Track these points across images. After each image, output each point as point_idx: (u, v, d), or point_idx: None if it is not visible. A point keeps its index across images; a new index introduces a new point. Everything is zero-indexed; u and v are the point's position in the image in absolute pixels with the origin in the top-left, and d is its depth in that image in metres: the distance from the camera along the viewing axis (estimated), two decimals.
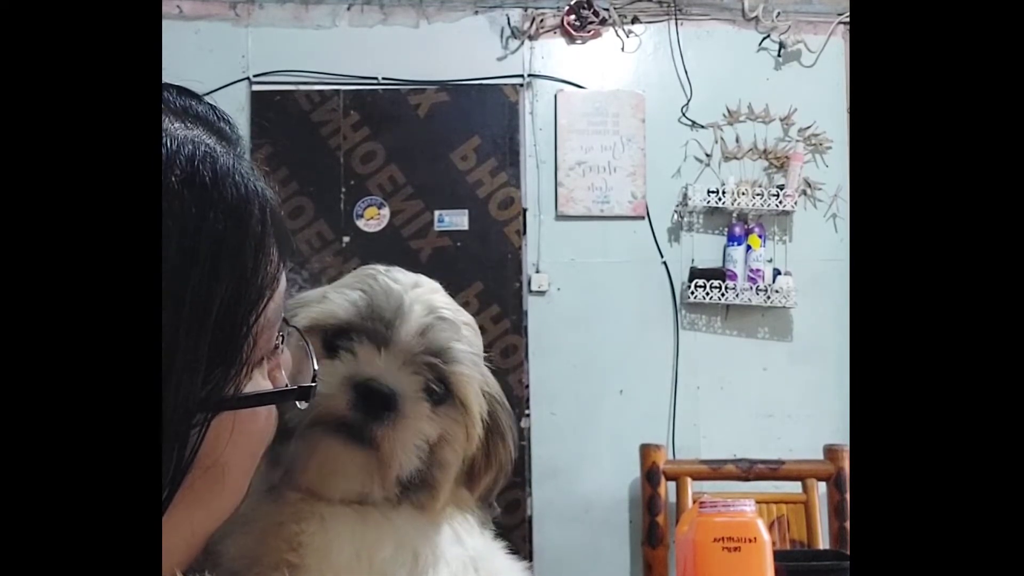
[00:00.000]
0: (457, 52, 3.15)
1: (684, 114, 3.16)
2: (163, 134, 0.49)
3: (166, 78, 0.52)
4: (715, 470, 2.55)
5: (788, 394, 3.11)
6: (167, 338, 0.45)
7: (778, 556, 1.03)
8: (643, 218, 3.14)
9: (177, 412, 0.47)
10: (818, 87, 3.19)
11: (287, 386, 0.61)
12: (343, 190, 3.10)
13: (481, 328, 3.03)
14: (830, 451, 2.58)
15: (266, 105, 3.11)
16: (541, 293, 3.10)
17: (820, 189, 3.16)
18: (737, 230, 3.07)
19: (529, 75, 3.16)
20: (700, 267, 3.08)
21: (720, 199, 3.06)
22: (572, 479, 3.05)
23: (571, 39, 3.17)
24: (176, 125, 0.50)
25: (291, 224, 3.06)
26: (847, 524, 2.46)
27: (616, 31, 3.18)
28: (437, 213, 3.10)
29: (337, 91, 3.12)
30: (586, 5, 3.15)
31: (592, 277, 3.12)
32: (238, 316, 0.51)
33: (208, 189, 0.49)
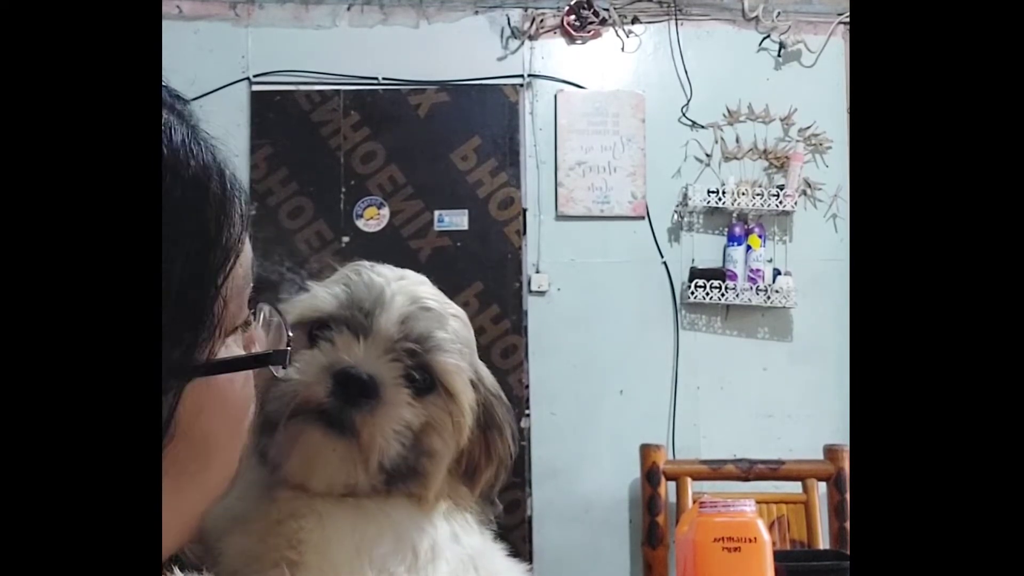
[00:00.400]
0: (457, 52, 3.15)
1: (684, 114, 3.17)
2: None
3: (166, 78, 0.52)
4: (715, 470, 2.55)
5: (788, 394, 3.11)
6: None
7: (778, 556, 1.03)
8: (643, 218, 3.14)
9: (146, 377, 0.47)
10: (818, 87, 3.19)
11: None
12: (343, 190, 3.10)
13: (481, 328, 3.05)
14: (830, 451, 2.58)
15: (266, 105, 3.12)
16: (541, 293, 3.10)
17: (820, 189, 3.16)
18: (737, 230, 3.07)
19: (529, 75, 3.16)
20: (700, 267, 3.08)
21: (720, 199, 3.07)
22: (572, 479, 3.05)
23: (571, 39, 3.17)
24: None
25: (291, 224, 3.06)
26: (847, 524, 2.46)
27: (616, 31, 3.18)
28: (437, 213, 3.10)
29: (337, 91, 3.13)
30: (586, 5, 3.15)
31: (592, 277, 3.12)
32: (204, 279, 0.51)
33: (166, 159, 0.50)
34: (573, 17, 3.16)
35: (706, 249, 3.13)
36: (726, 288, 3.03)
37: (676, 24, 3.18)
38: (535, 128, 3.15)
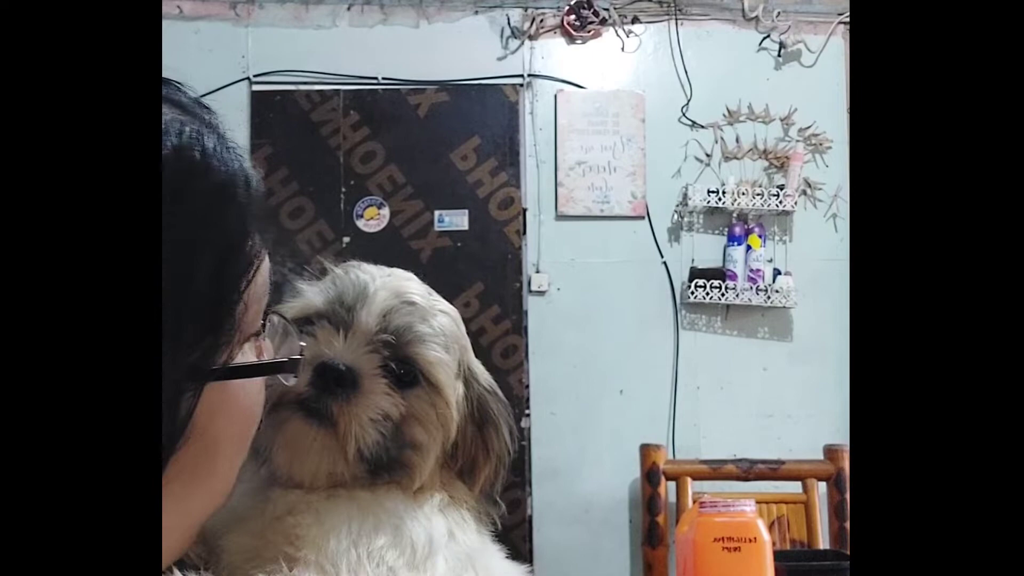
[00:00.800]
0: (457, 52, 3.15)
1: (684, 114, 3.16)
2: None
3: (166, 78, 0.52)
4: (715, 470, 2.55)
5: (788, 394, 3.11)
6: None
7: (778, 556, 1.03)
8: (643, 218, 3.14)
9: (165, 377, 0.48)
10: (818, 87, 3.19)
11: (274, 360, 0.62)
12: (343, 190, 3.10)
13: (481, 328, 3.04)
14: (830, 451, 2.58)
15: (266, 105, 3.11)
16: (541, 293, 3.10)
17: (820, 189, 3.16)
18: (737, 230, 3.07)
19: (529, 75, 3.16)
20: (700, 267, 3.08)
21: (720, 199, 3.06)
22: (572, 479, 3.05)
23: (571, 39, 3.17)
24: (164, 109, 0.52)
25: (291, 224, 3.06)
26: (847, 524, 2.46)
27: (616, 31, 3.18)
28: (437, 213, 3.10)
29: (337, 91, 3.12)
30: (586, 5, 3.15)
31: (592, 277, 3.12)
32: (227, 285, 0.52)
33: (197, 167, 0.51)
34: (573, 17, 3.15)
35: (706, 249, 3.13)
36: (726, 288, 3.03)
37: (676, 24, 3.18)
38: (535, 128, 3.15)
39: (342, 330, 0.79)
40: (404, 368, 0.80)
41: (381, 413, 0.78)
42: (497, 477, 0.86)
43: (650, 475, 2.57)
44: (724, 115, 3.18)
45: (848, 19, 3.08)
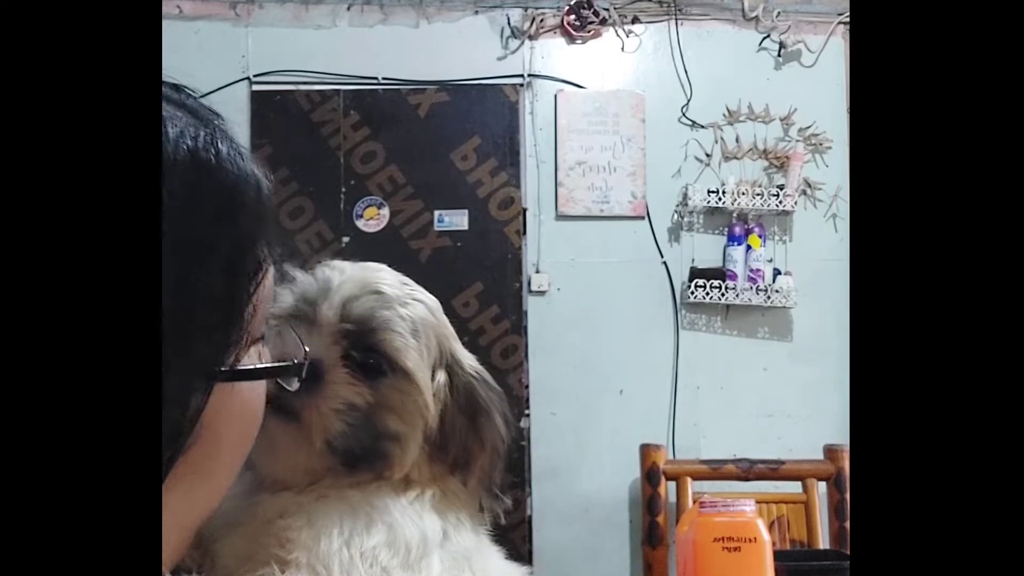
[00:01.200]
0: (457, 52, 3.15)
1: (684, 114, 3.17)
2: (168, 121, 0.51)
3: (166, 78, 0.53)
4: (715, 470, 2.55)
5: (788, 394, 3.11)
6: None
7: (778, 556, 1.03)
8: (643, 218, 3.14)
9: (175, 376, 0.48)
10: (818, 87, 3.19)
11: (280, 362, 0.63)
12: (343, 190, 3.10)
13: (481, 328, 3.03)
14: (830, 451, 2.58)
15: (266, 105, 3.12)
16: (541, 293, 3.10)
17: (820, 189, 3.16)
18: (737, 230, 3.07)
19: (529, 75, 3.16)
20: (700, 267, 3.08)
21: (720, 199, 3.07)
22: (572, 479, 3.05)
23: (571, 39, 3.18)
24: (179, 114, 0.53)
25: (291, 224, 3.06)
26: (847, 524, 2.46)
27: (616, 31, 3.18)
28: (437, 213, 3.10)
29: (337, 91, 3.13)
30: (586, 5, 3.15)
31: (592, 277, 3.12)
32: (237, 286, 0.53)
33: (212, 170, 0.52)
34: (573, 17, 3.16)
35: (706, 249, 3.13)
36: (726, 288, 3.03)
37: (676, 24, 3.18)
38: (535, 128, 3.15)
39: (304, 325, 0.79)
40: (372, 357, 0.80)
41: (345, 403, 0.78)
42: (494, 469, 0.85)
43: (650, 475, 2.57)
44: (724, 115, 3.18)
45: (848, 19, 3.08)
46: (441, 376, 0.84)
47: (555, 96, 3.16)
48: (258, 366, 0.58)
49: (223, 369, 0.53)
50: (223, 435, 0.56)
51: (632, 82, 3.18)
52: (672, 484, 2.56)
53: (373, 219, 3.09)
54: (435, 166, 3.11)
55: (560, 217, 3.13)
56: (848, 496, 2.35)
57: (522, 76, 3.16)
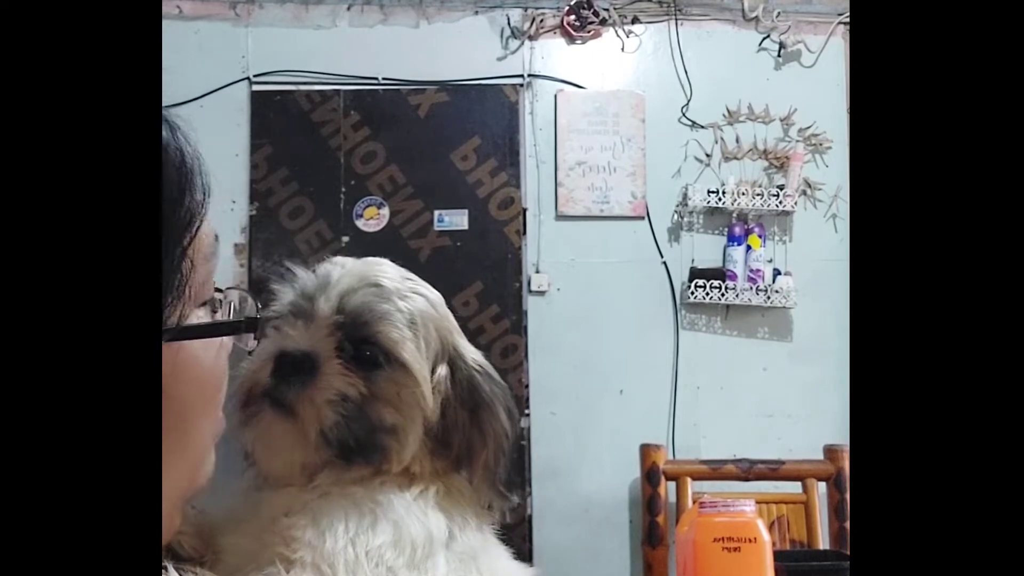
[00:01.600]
0: (457, 52, 3.15)
1: (684, 114, 3.16)
2: None
3: (166, 78, 0.53)
4: (715, 470, 2.55)
5: (788, 394, 3.11)
6: None
7: (778, 556, 1.03)
8: (643, 218, 3.14)
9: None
10: (818, 87, 3.19)
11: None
12: (343, 190, 3.10)
13: (481, 328, 3.03)
14: (830, 451, 2.58)
15: (266, 105, 3.11)
16: (541, 293, 3.10)
17: (820, 189, 3.16)
18: (737, 230, 3.07)
19: (529, 75, 3.16)
20: (700, 267, 3.08)
21: (720, 199, 3.06)
22: (572, 479, 3.05)
23: (571, 39, 3.17)
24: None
25: (291, 224, 3.06)
26: (847, 524, 2.46)
27: (616, 31, 3.18)
28: (437, 213, 3.09)
29: (337, 91, 3.12)
30: (586, 5, 3.15)
31: (592, 277, 3.12)
32: (170, 238, 0.53)
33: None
34: (573, 17, 3.15)
35: (706, 249, 3.13)
36: (726, 288, 3.03)
37: (676, 24, 3.17)
38: (535, 128, 3.15)
39: (303, 320, 0.80)
40: (368, 349, 0.80)
41: (338, 394, 0.78)
42: (498, 463, 0.84)
43: (650, 475, 2.57)
44: (724, 115, 3.18)
45: (848, 19, 3.08)
46: (442, 369, 0.83)
47: (555, 96, 3.16)
48: (204, 323, 0.58)
49: (168, 328, 0.53)
50: (183, 399, 0.56)
51: (632, 82, 3.18)
52: (672, 484, 2.56)
53: (373, 219, 3.09)
54: (435, 166, 3.11)
55: (560, 217, 3.13)
56: (848, 496, 2.35)
57: (522, 76, 3.16)
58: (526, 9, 3.17)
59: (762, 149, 3.17)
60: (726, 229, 3.11)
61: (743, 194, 3.06)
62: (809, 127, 3.18)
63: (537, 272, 3.10)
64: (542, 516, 3.02)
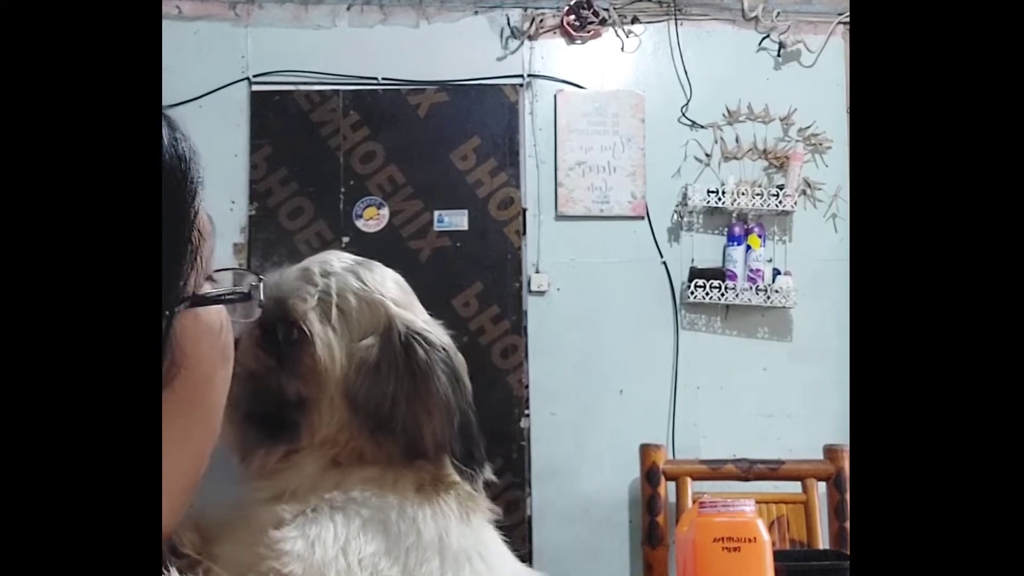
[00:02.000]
0: (457, 52, 3.15)
1: (684, 114, 3.16)
2: None
3: (166, 78, 0.53)
4: (715, 470, 2.55)
5: (788, 394, 3.11)
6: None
7: (778, 556, 1.03)
8: (643, 218, 3.14)
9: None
10: (818, 87, 3.19)
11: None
12: (343, 190, 3.10)
13: (481, 328, 3.03)
14: (830, 451, 2.58)
15: (266, 105, 3.11)
16: (541, 293, 3.10)
17: (820, 189, 3.16)
18: (737, 230, 3.07)
19: (529, 75, 3.16)
20: (700, 267, 3.08)
21: (720, 199, 3.06)
22: (572, 479, 3.05)
23: (571, 39, 3.17)
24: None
25: (291, 224, 3.06)
26: (847, 524, 2.46)
27: (616, 31, 3.18)
28: (437, 213, 3.09)
29: (337, 91, 3.12)
30: (586, 5, 3.15)
31: (592, 277, 3.12)
32: (180, 213, 0.55)
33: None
34: (573, 17, 3.15)
35: (706, 249, 3.13)
36: (726, 288, 3.03)
37: (676, 24, 3.17)
38: (535, 128, 3.15)
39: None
40: (281, 326, 0.81)
41: (245, 369, 0.79)
42: (447, 435, 0.80)
43: (650, 475, 2.57)
44: (724, 115, 3.18)
45: (848, 19, 3.08)
46: (371, 340, 0.82)
47: (555, 96, 3.16)
48: (214, 291, 0.61)
49: (184, 296, 0.56)
50: (204, 360, 0.59)
51: (632, 82, 3.18)
52: (672, 484, 2.56)
53: (373, 219, 3.09)
54: (435, 166, 3.11)
55: (560, 217, 3.13)
56: (848, 496, 2.35)
57: (522, 76, 3.16)
58: (526, 9, 3.17)
59: (762, 149, 3.17)
60: (726, 229, 3.11)
61: (743, 194, 3.06)
62: (809, 127, 3.18)
63: (537, 272, 3.10)
64: (542, 516, 3.02)
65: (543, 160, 3.14)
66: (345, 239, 3.07)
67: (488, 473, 0.83)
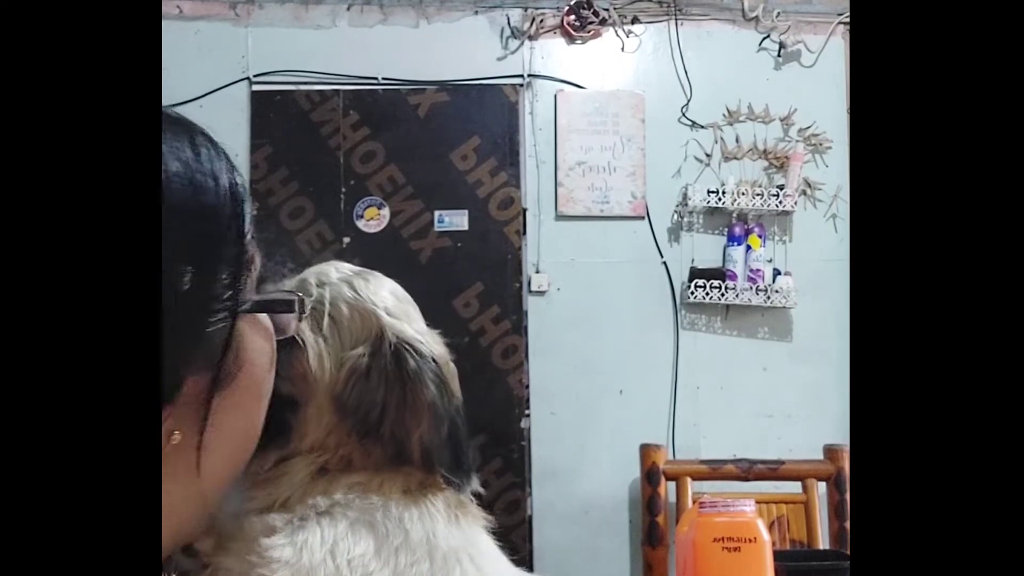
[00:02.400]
0: (457, 52, 3.15)
1: (684, 114, 3.16)
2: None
3: (166, 78, 0.53)
4: (715, 470, 2.55)
5: (788, 394, 3.11)
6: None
7: (778, 556, 1.03)
8: (643, 218, 3.14)
9: (197, 308, 0.55)
10: (818, 87, 3.19)
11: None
12: (343, 190, 3.10)
13: (481, 329, 3.03)
14: (830, 451, 2.58)
15: (266, 105, 3.11)
16: (541, 293, 3.10)
17: (820, 189, 3.16)
18: (737, 230, 3.07)
19: (529, 75, 3.16)
20: (700, 267, 3.08)
21: (720, 199, 3.06)
22: (572, 479, 3.05)
23: (571, 39, 3.17)
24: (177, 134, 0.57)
25: (291, 224, 3.06)
26: (847, 524, 2.46)
27: (616, 31, 3.18)
28: (437, 213, 3.09)
29: (337, 91, 3.12)
30: (586, 5, 3.15)
31: (592, 277, 3.12)
32: (239, 236, 0.59)
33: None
34: (573, 17, 3.15)
35: (706, 249, 3.13)
36: (726, 288, 3.03)
37: (676, 24, 3.17)
38: (535, 128, 3.15)
39: None
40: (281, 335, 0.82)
41: None
42: (434, 443, 0.80)
43: (650, 475, 2.57)
44: (724, 115, 3.18)
45: (848, 19, 3.07)
46: (361, 349, 0.82)
47: (555, 96, 3.16)
48: (269, 296, 0.66)
49: (242, 301, 0.59)
50: (257, 360, 0.62)
51: (632, 82, 3.18)
52: (672, 484, 2.56)
53: (373, 219, 3.09)
54: (435, 166, 3.11)
55: (560, 217, 3.13)
56: (848, 496, 2.35)
57: (522, 76, 3.16)
58: (526, 9, 3.17)
59: (762, 149, 3.17)
60: (726, 229, 3.11)
61: (743, 194, 3.06)
62: (809, 127, 3.18)
63: (537, 272, 3.10)
64: (542, 517, 3.02)
65: (543, 160, 3.14)
66: (346, 239, 3.07)
67: (475, 484, 0.83)
